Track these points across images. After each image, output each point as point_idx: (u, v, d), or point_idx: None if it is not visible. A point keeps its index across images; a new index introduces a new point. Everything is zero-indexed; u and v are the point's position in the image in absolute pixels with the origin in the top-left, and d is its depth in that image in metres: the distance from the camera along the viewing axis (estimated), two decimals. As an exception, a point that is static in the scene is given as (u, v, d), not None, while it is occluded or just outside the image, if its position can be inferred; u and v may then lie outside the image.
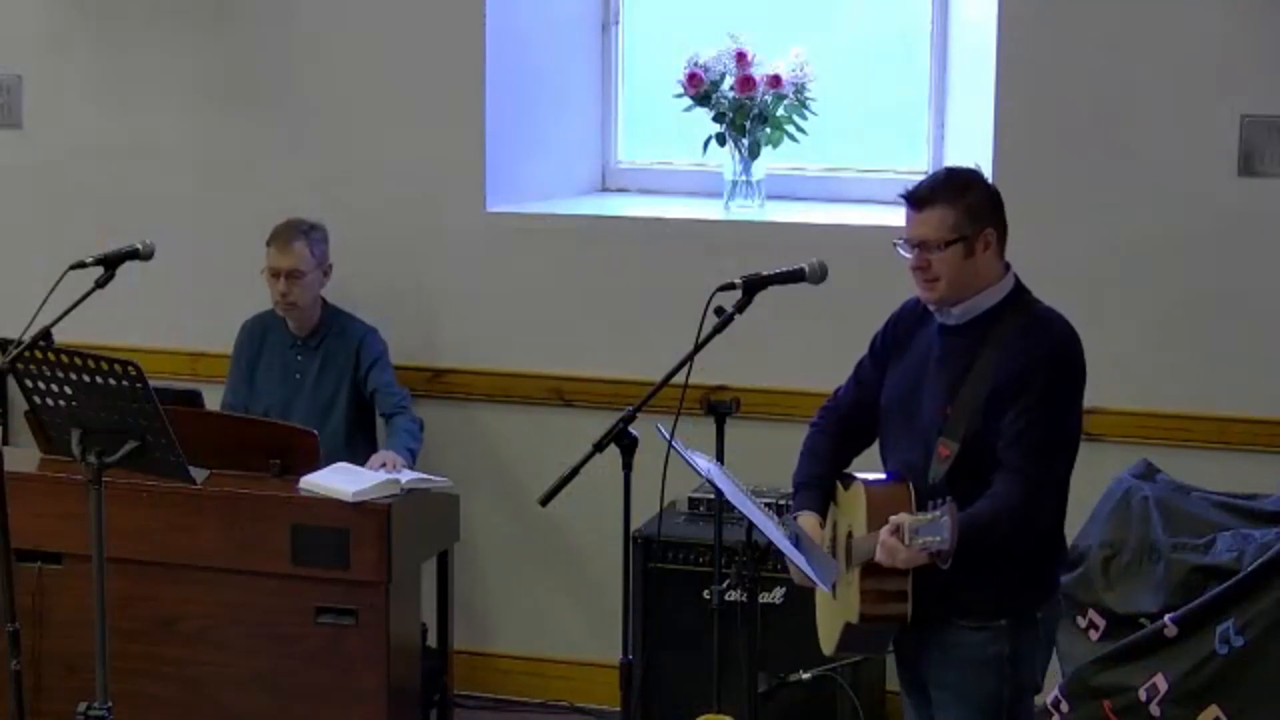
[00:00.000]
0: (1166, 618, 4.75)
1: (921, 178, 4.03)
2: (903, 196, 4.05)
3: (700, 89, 5.90)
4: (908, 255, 4.01)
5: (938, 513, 3.76)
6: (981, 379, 3.93)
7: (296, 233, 5.69)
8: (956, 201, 3.96)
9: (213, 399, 5.74)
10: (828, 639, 4.19)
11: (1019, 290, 4.04)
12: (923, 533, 3.75)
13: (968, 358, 3.97)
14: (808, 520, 4.15)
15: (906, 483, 4.01)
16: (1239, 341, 5.39)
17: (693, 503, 5.54)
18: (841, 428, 4.25)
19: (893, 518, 3.87)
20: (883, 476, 4.09)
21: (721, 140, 5.95)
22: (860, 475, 4.12)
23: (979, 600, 3.96)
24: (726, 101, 5.89)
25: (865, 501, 4.02)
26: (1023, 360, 3.91)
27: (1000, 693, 3.99)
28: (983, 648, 3.97)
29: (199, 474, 4.36)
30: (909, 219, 4.02)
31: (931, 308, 4.06)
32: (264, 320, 5.87)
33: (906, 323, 4.17)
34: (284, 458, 5.17)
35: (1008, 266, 4.05)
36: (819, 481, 4.22)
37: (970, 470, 3.92)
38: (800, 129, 5.95)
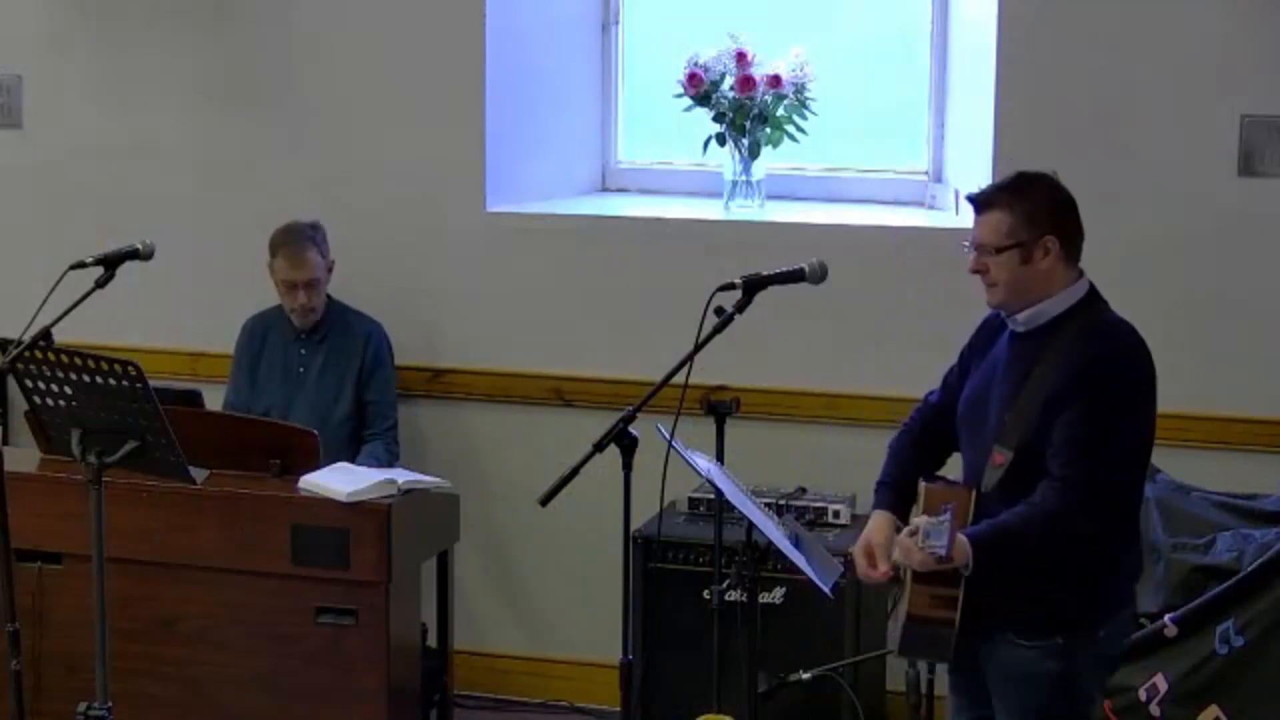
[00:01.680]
0: (1166, 618, 4.76)
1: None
2: (967, 198, 4.03)
3: (700, 89, 5.90)
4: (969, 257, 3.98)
5: (943, 518, 3.76)
6: (1039, 386, 3.87)
7: (305, 240, 5.67)
8: (1015, 206, 3.91)
9: (213, 399, 5.74)
10: (893, 637, 4.15)
11: (1090, 298, 3.97)
12: (931, 536, 3.75)
13: (1030, 365, 3.91)
14: (878, 519, 4.09)
15: (971, 487, 3.97)
16: (1239, 341, 5.40)
17: (693, 503, 5.54)
18: (924, 430, 4.21)
19: (914, 519, 3.86)
20: (956, 479, 4.06)
21: (721, 140, 5.95)
22: (940, 475, 4.10)
23: (1030, 615, 3.89)
24: (726, 101, 5.89)
25: (923, 500, 4.01)
26: (1077, 366, 3.85)
27: (1054, 709, 3.93)
28: (1036, 664, 3.90)
29: (199, 474, 4.36)
30: (973, 220, 4.00)
31: (1002, 314, 4.02)
32: (265, 319, 5.87)
33: (988, 329, 4.13)
34: (284, 458, 5.17)
35: (1081, 273, 3.98)
36: (894, 481, 4.16)
37: (1023, 479, 3.85)
38: (800, 129, 5.95)
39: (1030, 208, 3.92)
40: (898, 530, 4.01)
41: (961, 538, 3.80)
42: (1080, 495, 3.80)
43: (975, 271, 3.97)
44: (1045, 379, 3.87)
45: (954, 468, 4.18)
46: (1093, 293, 3.99)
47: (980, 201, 3.98)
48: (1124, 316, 4.01)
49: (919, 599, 3.89)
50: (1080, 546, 3.85)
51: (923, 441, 4.20)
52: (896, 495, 4.14)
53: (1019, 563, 3.84)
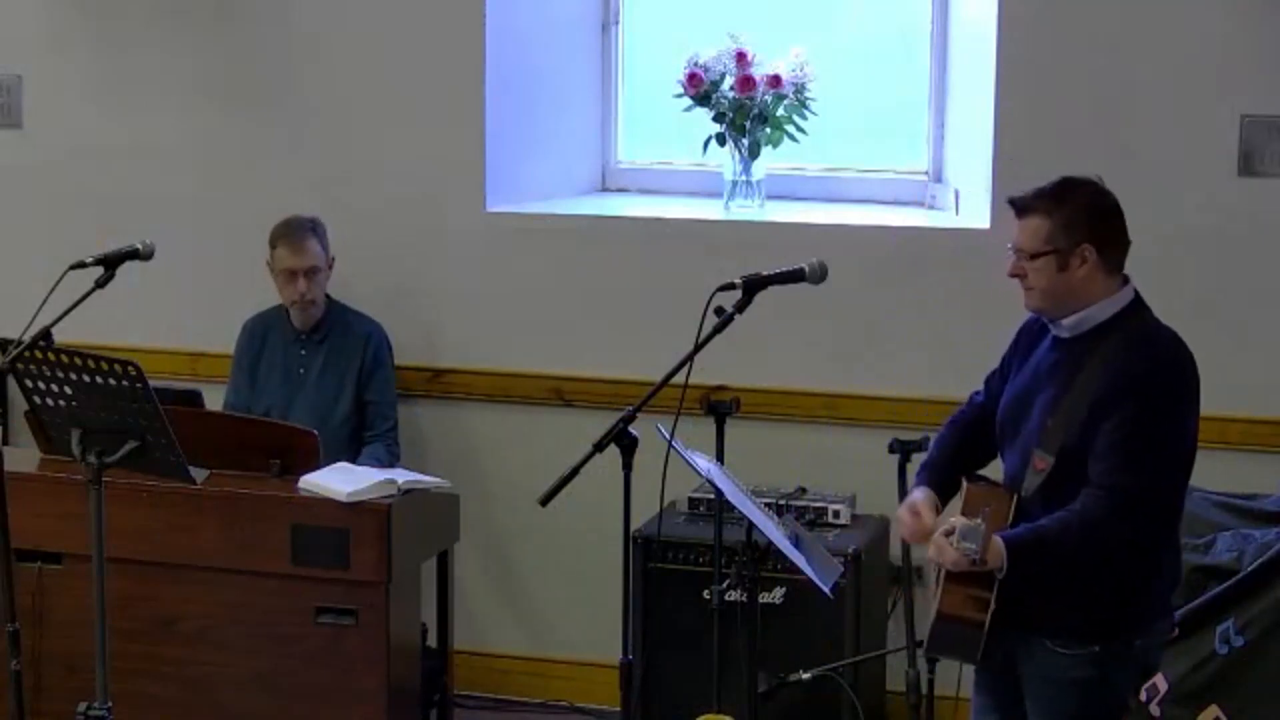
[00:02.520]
0: (1166, 618, 4.75)
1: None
2: (1008, 200, 4.03)
3: (700, 89, 5.90)
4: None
5: (978, 521, 3.75)
6: (1083, 393, 3.85)
7: (305, 231, 5.69)
8: (1054, 213, 3.90)
9: (213, 399, 5.74)
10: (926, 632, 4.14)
11: (1135, 305, 3.96)
12: (966, 538, 3.75)
13: (1074, 371, 3.90)
14: (919, 492, 4.08)
15: (1012, 491, 3.96)
16: (1239, 341, 5.39)
17: (693, 503, 5.54)
18: (969, 426, 4.19)
19: (951, 519, 3.86)
20: (999, 481, 4.05)
21: (721, 140, 5.95)
22: (983, 476, 4.10)
23: (1066, 622, 3.88)
24: (726, 101, 5.89)
25: (964, 497, 4.00)
26: (1120, 373, 3.83)
27: (1087, 716, 3.93)
28: (1070, 671, 3.89)
29: (199, 474, 4.36)
30: (1016, 224, 3.99)
31: (1044, 319, 4.01)
32: (265, 319, 5.87)
33: (1029, 333, 4.12)
34: (284, 458, 5.17)
35: (1127, 280, 3.97)
36: (937, 466, 4.14)
37: (1063, 484, 3.84)
38: (800, 129, 5.95)
39: (1069, 215, 3.90)
40: (935, 508, 4.03)
41: (997, 540, 3.80)
42: (1122, 503, 3.79)
43: (1013, 275, 3.96)
44: (1089, 385, 3.85)
45: (994, 471, 4.16)
46: (1138, 300, 3.97)
47: (1020, 206, 3.97)
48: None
49: (952, 598, 3.88)
50: (1119, 554, 3.83)
51: (967, 437, 4.18)
52: (939, 477, 4.12)
53: (1056, 568, 3.83)
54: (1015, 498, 3.93)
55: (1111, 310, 3.93)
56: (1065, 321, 3.95)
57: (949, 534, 3.81)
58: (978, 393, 4.25)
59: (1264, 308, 5.39)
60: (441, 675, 5.46)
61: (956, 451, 4.17)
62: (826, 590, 4.32)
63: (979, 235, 5.49)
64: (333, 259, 5.77)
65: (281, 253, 5.70)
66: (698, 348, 4.05)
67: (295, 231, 5.69)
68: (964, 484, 4.05)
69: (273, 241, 5.72)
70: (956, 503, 4.04)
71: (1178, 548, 4.04)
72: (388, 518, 4.96)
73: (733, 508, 4.35)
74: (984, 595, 3.84)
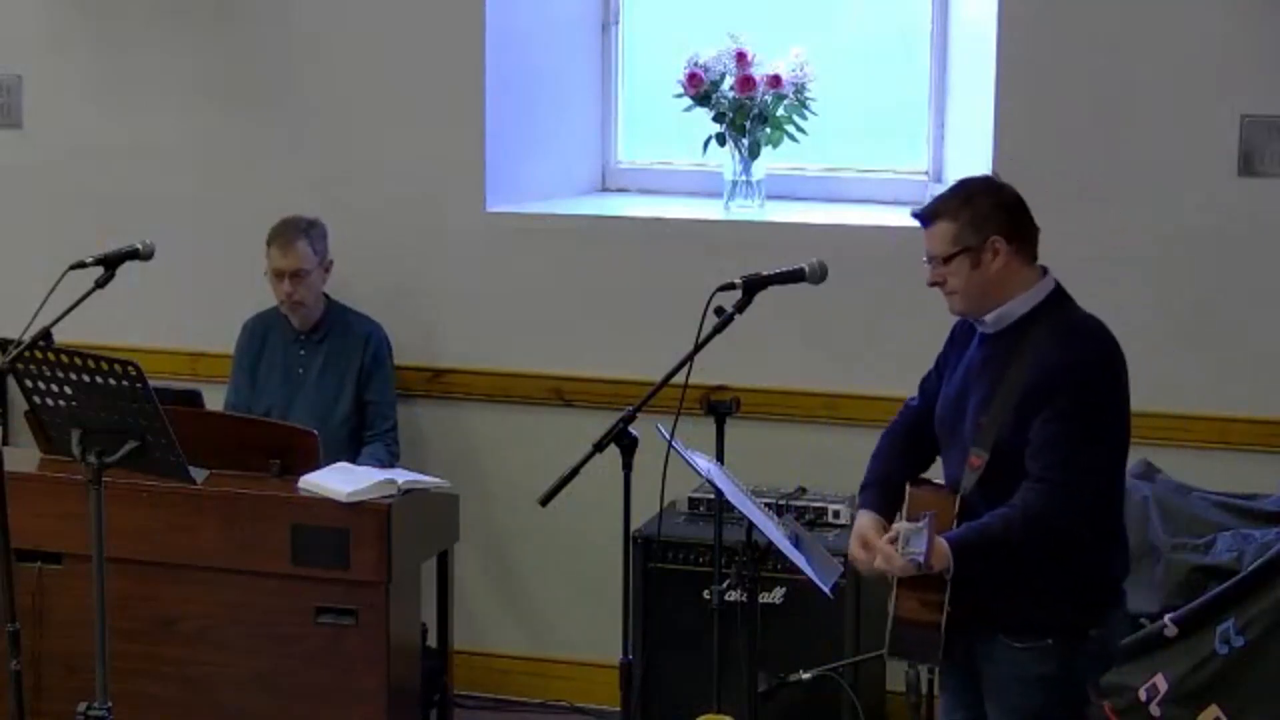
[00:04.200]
0: (1166, 618, 4.75)
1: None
2: (912, 214, 4.07)
3: (700, 89, 5.90)
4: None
5: (921, 524, 3.77)
6: (1012, 388, 3.88)
7: (297, 232, 5.70)
8: (959, 213, 3.95)
9: (213, 399, 5.74)
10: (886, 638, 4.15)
11: (1056, 296, 3.99)
12: (911, 543, 3.76)
13: (1002, 367, 3.93)
14: (864, 519, 4.08)
15: (954, 491, 3.97)
16: (1239, 341, 5.39)
17: (693, 503, 5.54)
18: (907, 433, 4.21)
19: (895, 525, 3.88)
20: (942, 483, 4.07)
21: (721, 140, 5.95)
22: (926, 479, 4.11)
23: (1020, 618, 3.90)
24: (726, 101, 5.89)
25: (907, 502, 4.02)
26: (1051, 366, 3.86)
27: (1047, 711, 3.94)
28: (1028, 666, 3.91)
29: (199, 474, 4.36)
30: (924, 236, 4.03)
31: (970, 319, 4.04)
32: (265, 319, 5.88)
33: (960, 333, 4.15)
34: (284, 458, 5.17)
35: (1045, 271, 4.00)
36: (878, 483, 4.16)
37: (1000, 480, 3.87)
38: (800, 129, 5.95)
39: (972, 213, 3.94)
40: (883, 530, 4.02)
41: (941, 542, 3.81)
42: (1061, 495, 3.81)
43: (933, 284, 4.01)
44: (1018, 379, 3.88)
45: (937, 473, 4.18)
46: (1059, 291, 4.00)
47: (925, 215, 4.02)
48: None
49: (906, 602, 3.92)
50: (1065, 546, 3.86)
51: (906, 444, 4.21)
52: (881, 497, 4.14)
53: (1003, 565, 3.85)
54: (958, 498, 3.95)
55: (1032, 302, 3.96)
56: (988, 318, 3.98)
57: (893, 541, 3.82)
58: (912, 399, 4.27)
59: (1264, 308, 5.39)
60: (441, 675, 5.46)
61: (898, 465, 4.17)
62: (826, 590, 4.32)
63: (979, 235, 5.49)
64: (330, 262, 5.77)
65: (272, 253, 5.72)
66: (698, 348, 4.05)
67: (286, 233, 5.71)
68: (907, 489, 4.07)
69: (268, 241, 5.74)
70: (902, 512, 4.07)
71: (1124, 536, 4.04)
72: (388, 518, 4.96)
73: (733, 508, 4.35)
74: (937, 598, 3.87)
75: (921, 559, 3.75)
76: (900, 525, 3.86)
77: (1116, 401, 3.94)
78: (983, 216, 3.94)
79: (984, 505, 3.88)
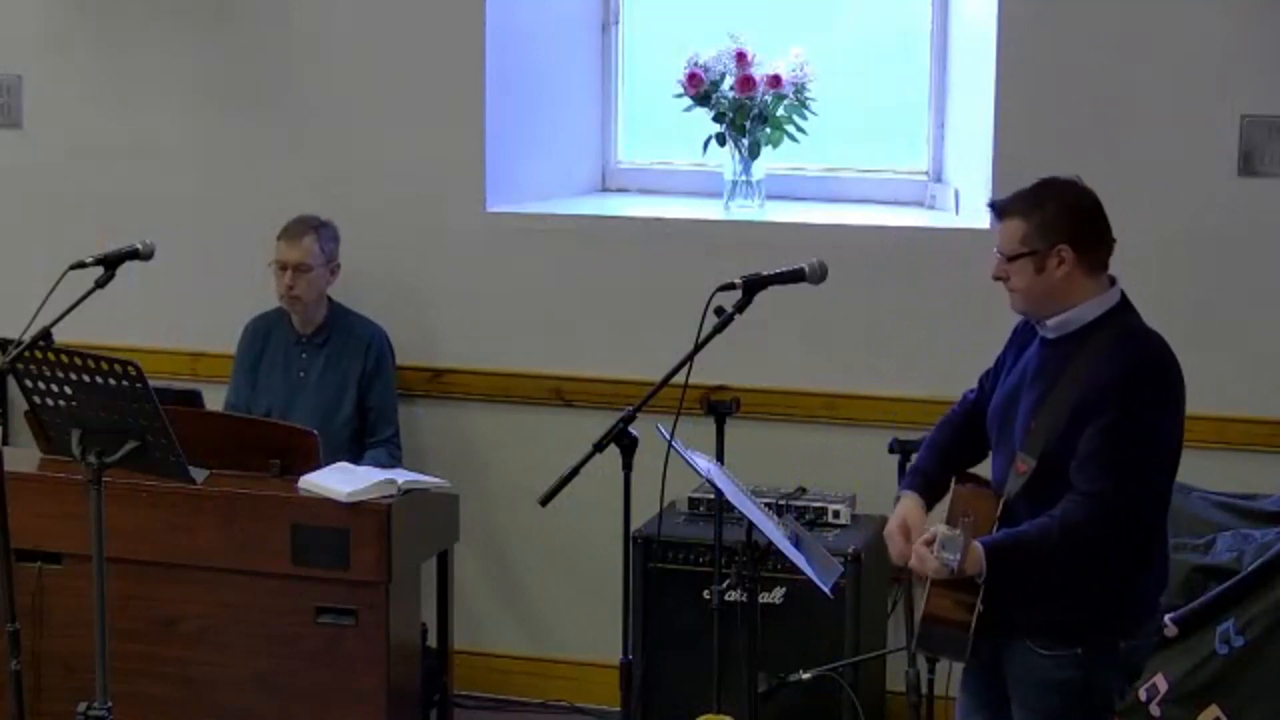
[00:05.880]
0: (1166, 618, 4.75)
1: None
2: (988, 205, 4.05)
3: (700, 89, 5.90)
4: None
5: (958, 531, 3.76)
6: (1065, 396, 3.84)
7: (307, 228, 5.71)
8: (1030, 214, 3.90)
9: (213, 399, 5.74)
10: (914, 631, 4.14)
11: (1121, 307, 3.95)
12: (946, 548, 3.76)
13: (1058, 373, 3.88)
14: (908, 502, 4.07)
15: (998, 493, 3.95)
16: (1239, 341, 5.39)
17: (693, 503, 5.54)
18: (961, 425, 4.18)
19: (933, 527, 3.86)
20: (987, 480, 4.05)
21: (721, 140, 5.95)
22: (974, 475, 4.09)
23: (1051, 625, 3.87)
24: (726, 101, 5.89)
25: (951, 499, 4.01)
26: (1103, 378, 3.81)
27: (1070, 716, 3.93)
28: (1054, 673, 3.89)
29: (199, 474, 4.36)
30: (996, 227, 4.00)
31: (1031, 320, 4.01)
32: (267, 319, 5.88)
33: (1022, 332, 4.11)
34: (284, 458, 5.17)
35: (1113, 281, 3.97)
36: (927, 470, 4.13)
37: (1045, 488, 3.83)
38: (800, 129, 5.95)
39: (1045, 217, 3.89)
40: (923, 515, 4.01)
41: (976, 546, 3.80)
42: (1104, 510, 3.77)
43: (997, 278, 3.97)
44: (1072, 388, 3.84)
45: (985, 467, 4.16)
46: (1124, 303, 3.96)
47: (999, 208, 3.98)
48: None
49: (938, 600, 3.89)
50: (1102, 559, 3.83)
51: (958, 436, 4.18)
52: (927, 483, 4.11)
53: (1037, 573, 3.83)
54: (1001, 502, 3.93)
55: (1096, 312, 3.92)
56: (1050, 322, 3.94)
57: (929, 543, 3.82)
58: (971, 390, 4.24)
59: (1264, 308, 5.39)
60: (441, 675, 5.46)
61: (947, 453, 4.16)
62: (826, 590, 4.32)
63: (979, 235, 5.48)
64: (337, 265, 5.76)
65: (279, 245, 5.73)
66: (698, 348, 4.05)
67: (295, 227, 5.73)
68: (953, 486, 4.06)
69: (278, 235, 5.74)
70: (944, 505, 4.05)
71: (1166, 549, 4.02)
72: (388, 518, 4.96)
73: (733, 508, 4.35)
74: (969, 599, 3.85)
75: (954, 565, 3.75)
76: (938, 528, 3.83)
77: (1167, 416, 3.89)
78: (1053, 222, 3.89)
79: (1027, 512, 3.85)
